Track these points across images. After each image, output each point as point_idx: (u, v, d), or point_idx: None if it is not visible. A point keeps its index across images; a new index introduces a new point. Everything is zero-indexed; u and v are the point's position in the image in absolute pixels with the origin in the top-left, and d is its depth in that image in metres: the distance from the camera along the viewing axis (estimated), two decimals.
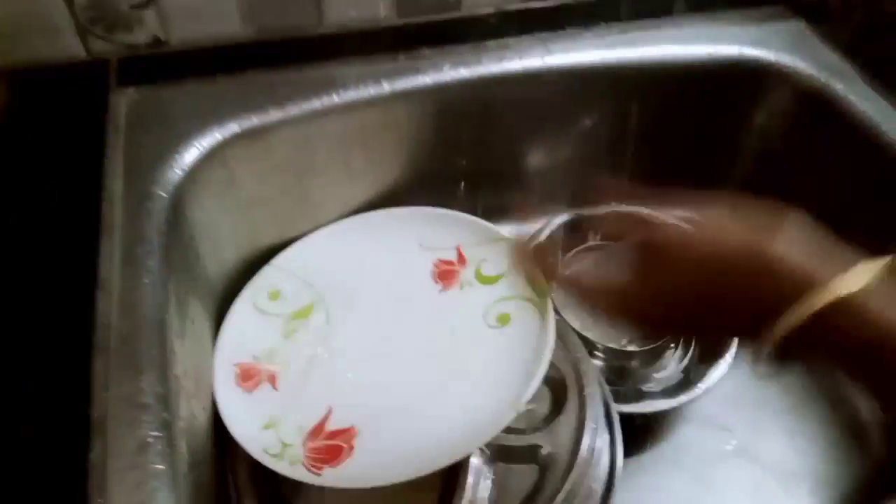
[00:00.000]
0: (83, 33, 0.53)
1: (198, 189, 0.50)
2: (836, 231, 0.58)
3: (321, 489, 0.42)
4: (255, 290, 0.53)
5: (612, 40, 0.60)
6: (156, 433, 0.36)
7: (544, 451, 0.42)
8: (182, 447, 0.37)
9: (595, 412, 0.44)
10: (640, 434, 0.54)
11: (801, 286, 0.28)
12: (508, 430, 0.41)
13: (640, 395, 0.51)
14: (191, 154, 0.49)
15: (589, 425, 0.43)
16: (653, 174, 0.68)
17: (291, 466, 0.42)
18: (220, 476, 0.44)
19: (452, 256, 0.54)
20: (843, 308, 0.28)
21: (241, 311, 0.52)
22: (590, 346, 0.51)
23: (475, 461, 0.42)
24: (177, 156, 0.49)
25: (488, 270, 0.52)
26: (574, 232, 0.61)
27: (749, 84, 0.61)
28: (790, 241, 0.31)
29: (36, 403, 0.38)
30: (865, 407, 0.57)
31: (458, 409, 0.44)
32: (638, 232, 0.39)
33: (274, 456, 0.42)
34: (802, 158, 0.61)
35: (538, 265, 0.48)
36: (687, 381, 0.53)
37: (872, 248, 0.56)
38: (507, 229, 0.55)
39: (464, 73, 0.57)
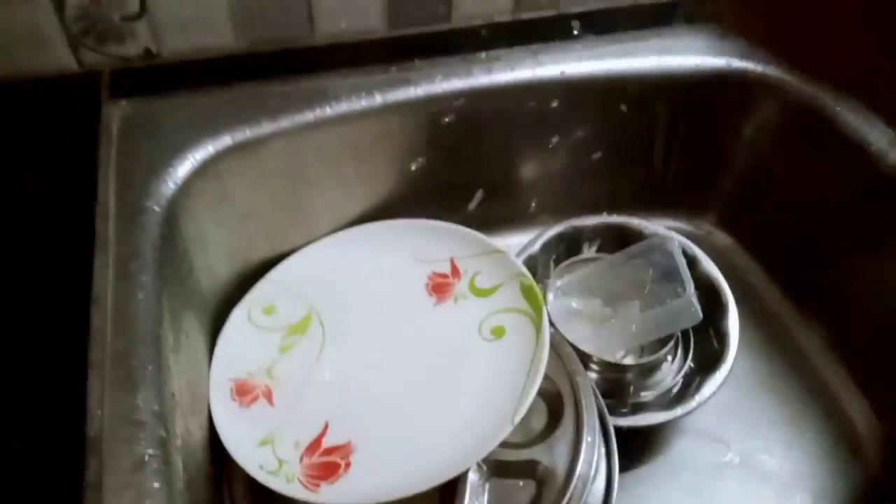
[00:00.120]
0: (74, 45, 0.52)
1: (191, 202, 0.49)
2: (825, 240, 0.59)
3: None
4: (249, 305, 0.53)
5: (602, 52, 0.61)
6: (151, 451, 0.35)
7: (541, 467, 0.42)
8: (178, 464, 0.37)
9: (591, 426, 0.44)
10: (636, 447, 0.54)
11: None
12: (505, 444, 0.41)
13: (636, 409, 0.51)
14: (184, 167, 0.49)
15: (585, 439, 0.43)
16: (642, 184, 0.68)
17: (288, 483, 0.41)
18: (217, 493, 0.43)
19: (446, 269, 0.54)
20: None
21: (236, 325, 0.51)
22: (585, 359, 0.51)
23: (473, 477, 0.41)
24: (170, 169, 0.48)
25: (482, 283, 0.52)
26: (567, 243, 0.62)
27: (737, 95, 0.62)
28: None
29: (31, 421, 0.38)
30: (861, 418, 0.57)
31: (455, 423, 0.44)
32: None
33: (270, 473, 0.42)
34: (791, 169, 0.62)
35: None
36: (683, 393, 0.53)
37: (859, 258, 0.57)
38: (500, 241, 0.55)
39: (456, 84, 0.57)
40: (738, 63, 0.61)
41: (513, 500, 0.42)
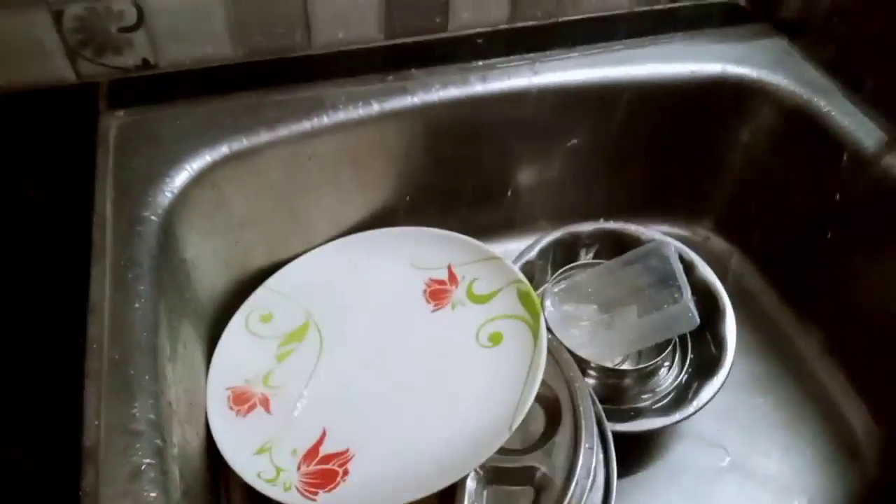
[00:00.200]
0: (72, 56, 0.53)
1: (188, 211, 0.49)
2: (822, 244, 0.60)
3: None
4: (247, 313, 0.53)
5: (598, 59, 0.61)
6: (148, 460, 0.35)
7: (539, 473, 0.42)
8: (175, 474, 0.37)
9: (589, 432, 0.44)
10: (634, 453, 0.54)
11: None
12: (503, 451, 0.41)
13: (634, 414, 0.51)
14: (181, 176, 0.49)
15: (584, 446, 0.43)
16: (639, 191, 0.68)
17: (286, 492, 0.41)
18: (214, 501, 0.43)
19: (444, 276, 0.54)
20: None
21: (234, 334, 0.51)
22: (583, 365, 0.51)
23: (471, 484, 0.41)
24: (167, 178, 0.49)
25: (480, 289, 0.52)
26: (564, 249, 0.62)
27: (733, 101, 0.62)
28: None
29: (27, 430, 0.38)
30: (859, 423, 0.57)
31: (453, 430, 0.44)
32: None
33: (268, 481, 0.42)
34: (787, 174, 0.62)
35: None
36: (680, 398, 0.53)
37: (857, 262, 0.57)
38: (497, 248, 0.55)
39: (452, 93, 0.57)
40: (733, 69, 0.61)
41: None
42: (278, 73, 0.56)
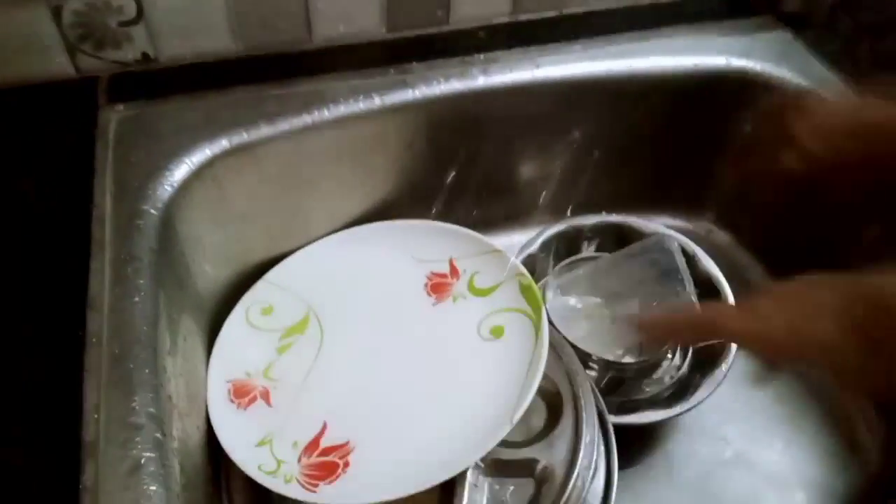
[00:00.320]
0: (72, 51, 0.53)
1: (188, 205, 0.49)
2: (825, 237, 0.59)
3: None
4: (247, 306, 0.53)
5: (600, 52, 0.61)
6: (149, 454, 0.35)
7: (540, 465, 0.42)
8: (175, 467, 0.37)
9: (591, 424, 0.44)
10: (635, 445, 0.54)
11: None
12: (504, 443, 0.41)
13: (636, 407, 0.51)
14: (181, 171, 0.49)
15: (585, 438, 0.43)
16: (642, 184, 0.68)
17: (286, 484, 0.41)
18: (215, 494, 0.43)
19: (445, 269, 0.54)
20: None
21: (234, 327, 0.51)
22: (584, 358, 0.51)
23: (471, 476, 0.41)
24: (167, 172, 0.48)
25: (481, 282, 0.52)
26: (566, 242, 0.62)
27: (736, 94, 0.62)
28: None
29: (26, 425, 0.38)
30: (861, 416, 0.57)
31: (454, 422, 0.44)
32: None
33: (269, 473, 0.42)
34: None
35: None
36: (682, 391, 0.52)
37: (859, 255, 0.57)
38: (499, 241, 0.55)
39: (454, 86, 0.57)
40: (736, 62, 0.61)
41: (512, 499, 0.42)
42: (279, 67, 0.56)
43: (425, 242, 0.55)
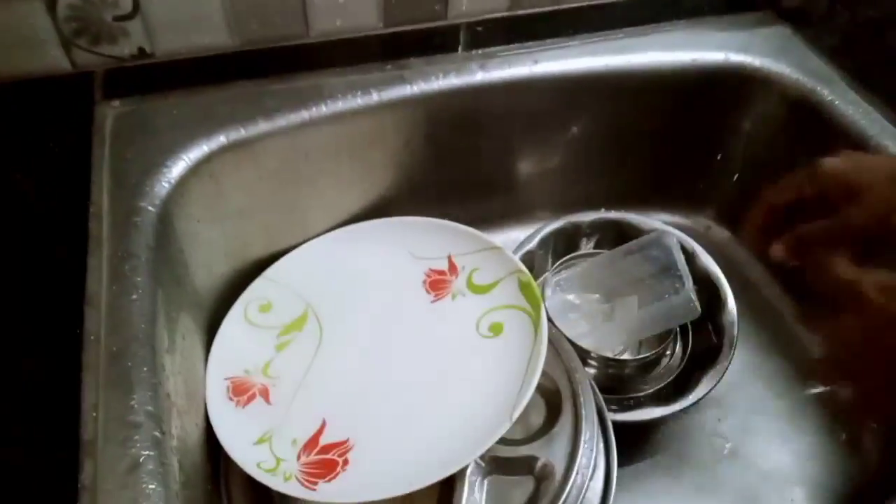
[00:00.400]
0: (67, 46, 0.52)
1: (186, 202, 0.49)
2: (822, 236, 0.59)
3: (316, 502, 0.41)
4: (245, 303, 0.53)
5: (599, 48, 0.60)
6: (147, 452, 0.35)
7: (540, 463, 0.42)
8: (174, 465, 0.37)
9: (590, 422, 0.44)
10: (635, 442, 0.54)
11: None
12: (503, 440, 0.41)
13: (635, 404, 0.51)
14: (178, 167, 0.49)
15: (584, 435, 0.43)
16: (641, 180, 0.68)
17: (286, 482, 0.41)
18: (214, 492, 0.43)
19: (444, 266, 0.54)
20: None
21: (232, 324, 0.51)
22: (583, 355, 0.51)
23: (471, 473, 0.41)
24: (164, 169, 0.48)
25: (480, 279, 0.52)
26: (565, 239, 0.61)
27: (735, 90, 0.62)
28: None
29: (24, 423, 0.37)
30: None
31: (453, 420, 0.43)
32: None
33: (268, 471, 0.42)
34: (789, 163, 0.62)
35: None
36: (681, 388, 0.53)
37: (858, 252, 0.57)
38: (498, 238, 0.55)
39: (452, 82, 0.57)
40: (735, 57, 0.61)
41: (511, 497, 0.42)
42: (276, 62, 0.56)
43: (424, 239, 0.55)
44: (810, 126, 0.58)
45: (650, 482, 0.53)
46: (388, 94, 0.55)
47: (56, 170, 0.49)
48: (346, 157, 0.57)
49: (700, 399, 0.51)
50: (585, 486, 0.41)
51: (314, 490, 0.41)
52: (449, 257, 0.54)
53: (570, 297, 0.57)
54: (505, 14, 0.61)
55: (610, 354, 0.53)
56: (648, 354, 0.53)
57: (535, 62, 0.59)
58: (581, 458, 0.42)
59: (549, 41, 0.60)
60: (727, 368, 0.52)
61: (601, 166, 0.66)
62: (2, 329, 0.41)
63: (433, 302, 0.52)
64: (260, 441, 0.44)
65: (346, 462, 0.43)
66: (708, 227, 0.70)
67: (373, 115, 0.56)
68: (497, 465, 0.42)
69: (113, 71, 0.54)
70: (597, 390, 0.47)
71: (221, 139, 0.51)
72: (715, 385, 0.51)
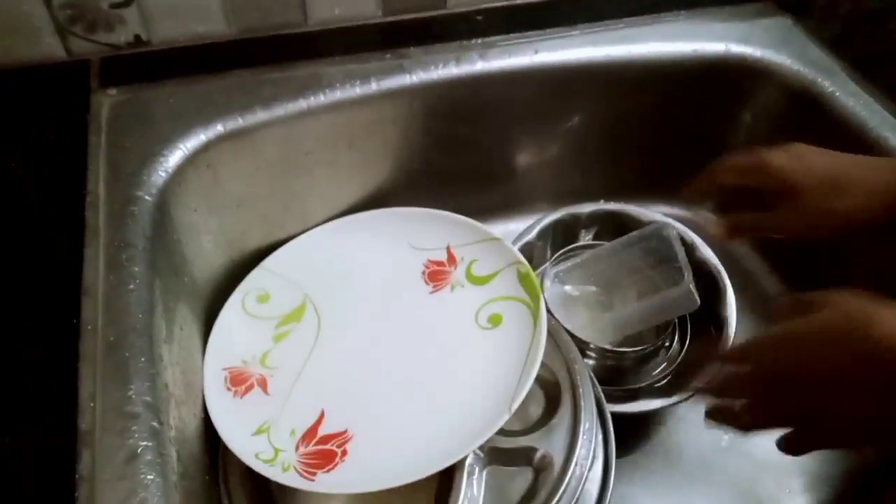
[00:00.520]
0: (62, 33, 0.52)
1: (183, 191, 0.49)
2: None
3: (315, 493, 0.41)
4: (243, 294, 0.52)
5: (600, 37, 0.60)
6: (146, 442, 0.35)
7: (539, 454, 0.42)
8: (172, 455, 0.37)
9: (589, 413, 0.44)
10: (633, 434, 0.54)
11: None
12: (502, 431, 0.41)
13: (634, 395, 0.51)
14: (175, 156, 0.48)
15: (583, 426, 0.43)
16: (640, 171, 0.68)
17: (284, 472, 0.41)
18: (213, 482, 0.43)
19: (442, 257, 0.53)
20: None
21: (230, 314, 0.51)
22: (582, 347, 0.51)
23: (470, 464, 0.41)
24: (161, 158, 0.48)
25: (479, 270, 0.52)
26: (564, 230, 0.61)
27: (735, 81, 0.62)
28: None
29: (21, 414, 0.37)
30: None
31: (452, 411, 0.43)
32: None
33: (266, 461, 0.42)
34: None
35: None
36: (679, 379, 0.53)
37: (858, 244, 0.57)
38: (497, 229, 0.55)
39: (452, 71, 0.57)
40: (736, 48, 0.61)
41: (510, 488, 0.42)
42: (274, 51, 0.55)
43: (422, 230, 0.55)
44: (811, 117, 0.58)
45: (649, 473, 0.54)
46: (387, 84, 0.55)
47: (52, 158, 0.48)
48: (345, 147, 0.57)
49: (698, 390, 0.51)
50: (584, 476, 0.42)
51: (313, 481, 0.41)
52: (448, 248, 0.53)
53: (569, 288, 0.56)
54: (505, 3, 0.61)
55: (609, 346, 0.53)
56: (647, 346, 0.53)
57: (536, 52, 0.58)
58: (580, 450, 0.42)
59: (549, 31, 0.60)
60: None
61: (601, 157, 0.66)
62: (0, 318, 0.41)
63: (432, 293, 0.52)
64: (258, 432, 0.44)
65: (344, 453, 0.43)
66: (708, 219, 0.70)
67: (371, 105, 0.55)
68: (496, 455, 0.42)
69: (109, 59, 0.54)
70: (595, 382, 0.47)
71: (219, 128, 0.50)
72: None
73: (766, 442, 0.55)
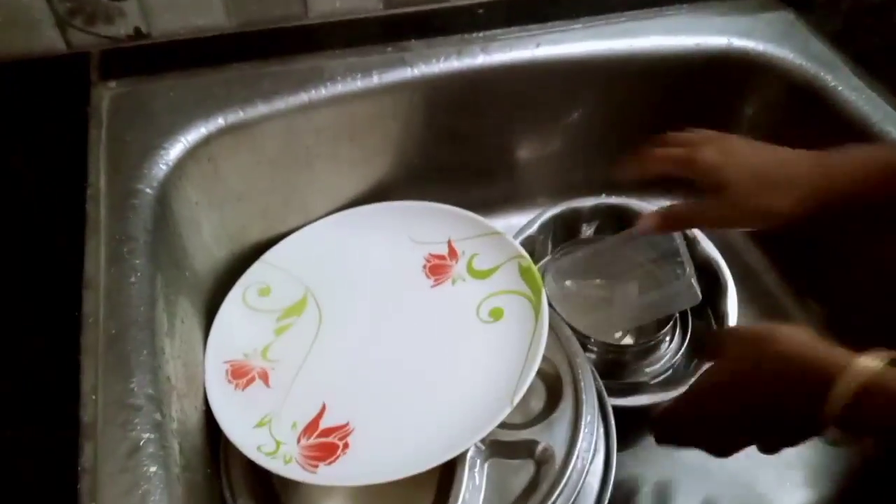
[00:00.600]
0: (62, 25, 0.51)
1: (184, 185, 0.49)
2: (822, 222, 0.59)
3: (316, 485, 0.41)
4: (244, 287, 0.52)
5: (601, 31, 0.60)
6: (148, 435, 0.35)
7: (540, 447, 0.42)
8: (175, 448, 0.37)
9: (590, 406, 0.44)
10: (634, 427, 0.54)
11: (833, 372, 0.34)
12: (504, 425, 0.41)
13: (635, 389, 0.51)
14: (176, 149, 0.48)
15: (584, 420, 0.43)
16: None
17: (286, 465, 0.41)
18: (215, 475, 0.43)
19: (444, 251, 0.53)
20: (875, 384, 0.33)
21: (231, 308, 0.51)
22: (583, 341, 0.51)
23: (471, 457, 0.41)
24: (162, 151, 0.48)
25: (480, 264, 0.52)
26: (565, 224, 0.61)
27: (737, 75, 0.61)
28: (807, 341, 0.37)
29: (23, 407, 0.37)
30: None
31: (453, 404, 0.43)
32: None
33: (268, 454, 0.42)
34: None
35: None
36: (681, 373, 0.53)
37: (858, 239, 0.56)
38: (498, 223, 0.55)
39: (453, 64, 0.57)
40: (738, 42, 0.60)
41: (512, 480, 0.42)
42: (274, 44, 0.55)
43: (423, 224, 0.54)
44: (813, 112, 0.58)
45: (649, 467, 0.54)
46: (389, 77, 0.55)
47: (52, 151, 0.48)
48: (346, 141, 0.56)
49: None
50: (586, 469, 0.42)
51: (314, 473, 0.41)
52: (449, 242, 0.53)
53: (571, 282, 0.56)
54: None
55: (610, 340, 0.53)
56: (648, 340, 0.53)
57: (538, 45, 0.58)
58: (581, 442, 0.42)
59: (551, 24, 0.60)
60: None
61: (602, 151, 0.65)
62: (1, 311, 0.41)
63: (433, 287, 0.52)
64: (260, 424, 0.44)
65: (346, 445, 0.43)
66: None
67: (372, 98, 0.55)
68: (497, 448, 0.43)
69: (109, 51, 0.53)
70: (597, 375, 0.47)
71: (220, 121, 0.50)
72: None
73: None
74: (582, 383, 0.45)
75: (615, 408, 0.47)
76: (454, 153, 0.62)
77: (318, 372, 0.47)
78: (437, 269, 0.53)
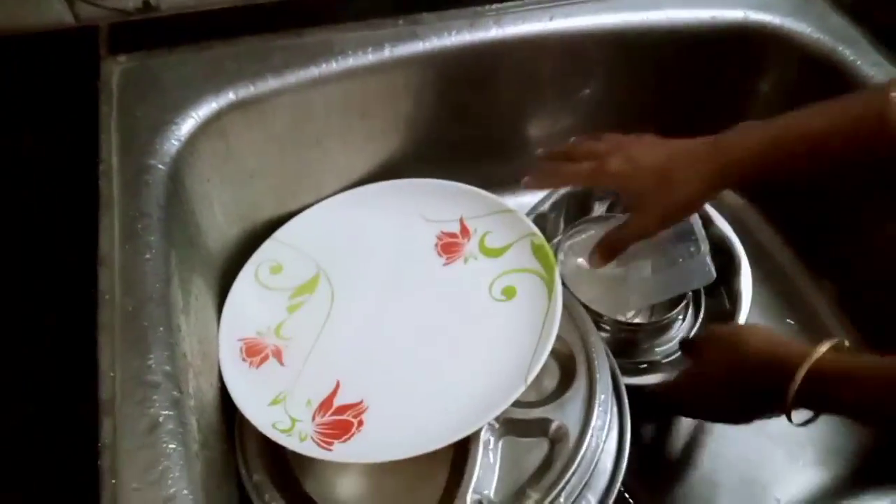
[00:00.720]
0: None
1: (196, 160, 0.48)
2: (839, 199, 0.58)
3: (331, 462, 0.42)
4: (256, 265, 0.52)
5: (616, 4, 0.59)
6: (167, 412, 0.35)
7: (554, 425, 0.42)
8: (193, 425, 0.37)
9: (604, 385, 0.44)
10: (647, 405, 0.54)
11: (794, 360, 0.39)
12: (518, 403, 0.41)
13: (648, 368, 0.51)
14: (187, 124, 0.48)
15: (598, 399, 0.43)
16: None
17: (301, 442, 0.41)
18: (231, 451, 0.44)
19: (455, 229, 0.53)
20: (816, 369, 0.38)
21: (243, 286, 0.51)
22: (597, 319, 0.51)
23: (485, 435, 0.41)
24: (173, 126, 0.47)
25: (492, 242, 0.51)
26: (578, 202, 0.61)
27: (754, 49, 0.60)
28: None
29: (42, 385, 0.37)
30: None
31: (467, 382, 0.44)
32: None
33: (283, 431, 0.42)
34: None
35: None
36: None
37: (872, 217, 0.56)
38: (510, 200, 0.54)
39: (466, 38, 0.56)
40: (755, 15, 0.59)
41: (526, 458, 0.42)
42: (285, 17, 0.54)
43: (435, 201, 0.54)
44: (831, 87, 0.56)
45: (661, 445, 0.54)
46: (400, 51, 0.54)
47: (62, 126, 0.48)
48: (357, 116, 0.56)
49: None
50: (600, 448, 0.42)
51: (330, 450, 0.41)
52: (461, 220, 0.53)
53: (583, 260, 0.56)
54: None
55: (623, 318, 0.53)
56: (661, 319, 0.53)
57: (551, 18, 0.57)
58: (595, 421, 0.42)
59: None
60: None
61: (616, 126, 0.64)
62: (14, 292, 0.41)
63: (445, 265, 0.51)
64: (274, 402, 0.44)
65: (360, 423, 0.43)
66: (723, 191, 0.69)
67: (384, 72, 0.54)
68: (511, 427, 0.43)
69: (118, 25, 0.53)
70: (610, 354, 0.47)
71: (230, 96, 0.49)
72: None
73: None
74: (596, 362, 0.45)
75: (628, 387, 0.47)
76: (466, 130, 0.61)
77: (331, 350, 0.47)
78: (449, 247, 0.52)
